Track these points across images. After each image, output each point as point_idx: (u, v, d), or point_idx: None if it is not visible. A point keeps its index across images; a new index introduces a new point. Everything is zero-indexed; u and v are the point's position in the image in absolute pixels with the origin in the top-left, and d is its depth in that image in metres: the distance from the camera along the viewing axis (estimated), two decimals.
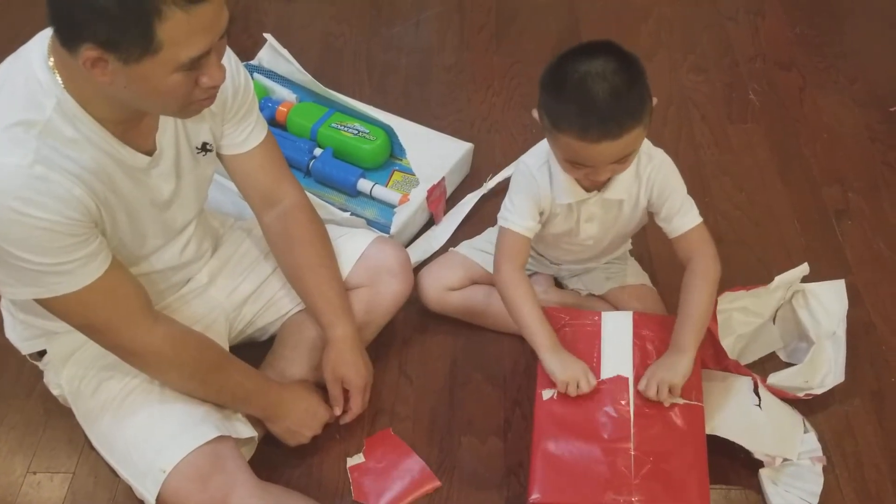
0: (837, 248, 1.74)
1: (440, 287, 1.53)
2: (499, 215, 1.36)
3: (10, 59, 1.03)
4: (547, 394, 1.27)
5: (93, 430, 1.24)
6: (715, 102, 2.08)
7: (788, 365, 1.51)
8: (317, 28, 2.29)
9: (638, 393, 1.25)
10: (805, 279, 1.52)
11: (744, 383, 1.36)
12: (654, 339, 1.31)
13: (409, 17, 2.33)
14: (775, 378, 1.40)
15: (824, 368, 1.42)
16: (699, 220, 1.32)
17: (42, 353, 1.30)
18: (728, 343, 1.44)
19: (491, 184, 1.84)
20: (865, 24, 2.30)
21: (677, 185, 1.32)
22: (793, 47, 2.23)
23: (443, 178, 1.76)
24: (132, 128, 1.08)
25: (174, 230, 1.24)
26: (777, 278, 1.48)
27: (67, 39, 0.93)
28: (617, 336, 1.33)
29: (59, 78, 0.99)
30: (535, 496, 1.18)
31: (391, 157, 1.85)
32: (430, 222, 1.77)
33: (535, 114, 1.23)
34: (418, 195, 1.72)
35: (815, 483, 1.32)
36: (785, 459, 1.33)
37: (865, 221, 1.80)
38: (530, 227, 1.33)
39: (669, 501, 1.16)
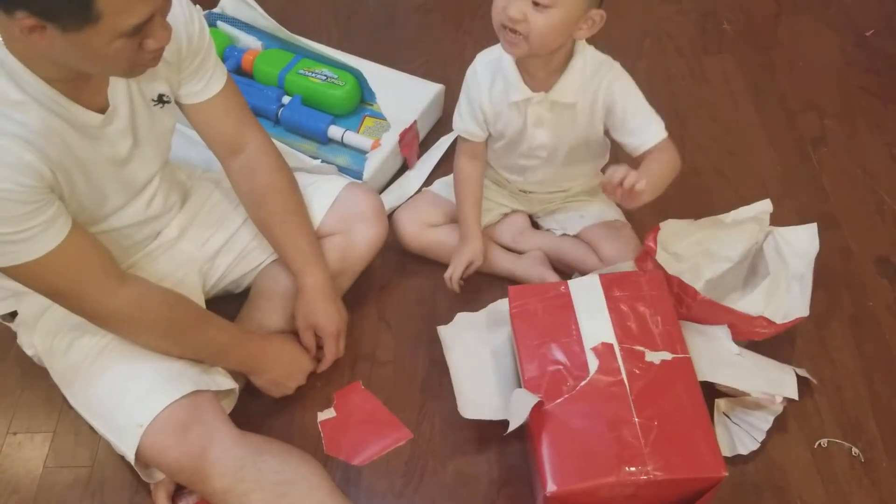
0: (814, 175, 1.74)
1: (418, 223, 1.53)
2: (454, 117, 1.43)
3: None
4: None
5: (69, 389, 1.23)
6: (689, 33, 2.05)
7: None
8: None
9: (626, 357, 1.23)
10: (782, 210, 1.51)
11: (721, 333, 1.34)
12: (626, 298, 1.29)
13: None
14: (735, 306, 1.35)
15: (786, 305, 1.38)
16: (664, 133, 1.30)
17: (13, 315, 1.29)
18: (698, 288, 1.37)
19: None
20: None
21: (638, 97, 1.31)
22: None
23: (414, 122, 1.73)
24: (81, 85, 1.04)
25: (136, 187, 1.22)
26: (733, 213, 1.44)
27: (2, 4, 0.89)
28: (589, 303, 1.30)
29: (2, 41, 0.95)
30: (550, 488, 1.13)
31: (362, 102, 1.82)
32: (404, 167, 1.75)
33: None
34: (390, 140, 1.69)
35: (765, 420, 1.32)
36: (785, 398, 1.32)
37: (841, 147, 1.79)
38: (473, 131, 1.41)
39: (683, 463, 1.14)
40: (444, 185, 1.58)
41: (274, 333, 1.36)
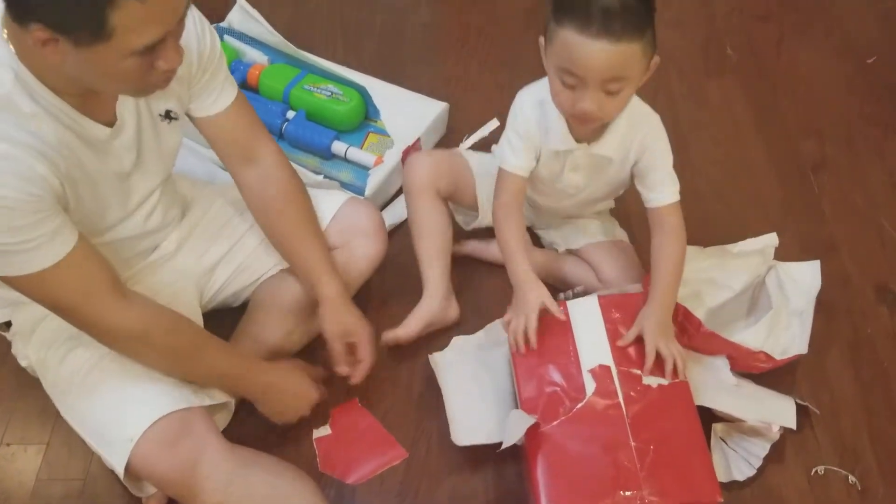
0: (814, 201, 1.74)
1: (432, 181, 1.48)
2: (497, 153, 1.38)
3: None
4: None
5: (61, 401, 1.23)
6: (692, 57, 2.06)
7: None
8: None
9: (623, 380, 1.23)
10: (783, 235, 1.51)
11: (720, 364, 1.35)
12: (624, 320, 1.30)
13: None
14: (735, 339, 1.36)
15: (785, 341, 1.39)
16: (678, 197, 1.33)
17: (8, 325, 1.28)
18: (698, 316, 1.38)
19: (467, 144, 1.81)
20: None
21: (667, 155, 1.33)
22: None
23: (418, 139, 1.74)
24: (91, 99, 1.05)
25: (135, 200, 1.21)
26: (740, 244, 1.45)
27: (17, 16, 0.90)
28: (588, 324, 1.30)
29: (12, 49, 0.96)
30: None
31: (366, 118, 1.82)
32: None
33: (541, 40, 1.21)
34: (393, 156, 1.70)
35: (762, 447, 1.31)
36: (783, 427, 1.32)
37: (842, 174, 1.80)
38: (527, 167, 1.34)
39: (679, 488, 1.14)
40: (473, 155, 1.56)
41: (281, 361, 1.34)
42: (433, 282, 1.46)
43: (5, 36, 0.96)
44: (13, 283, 1.03)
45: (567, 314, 1.32)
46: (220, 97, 1.24)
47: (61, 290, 1.05)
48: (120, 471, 1.13)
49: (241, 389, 1.27)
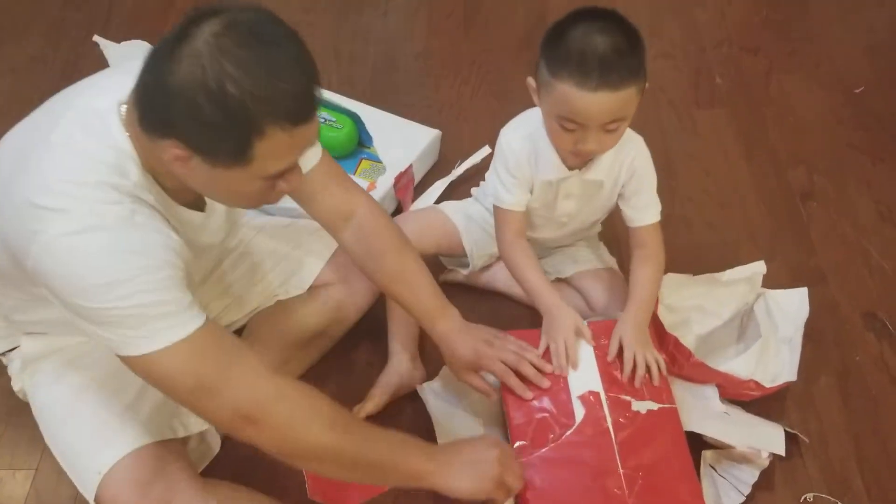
0: (803, 230, 1.76)
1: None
2: (492, 194, 1.39)
3: (76, 115, 0.98)
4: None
5: (45, 424, 1.21)
6: (682, 87, 2.08)
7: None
8: (284, 17, 2.24)
9: (612, 406, 1.24)
10: (771, 263, 1.53)
11: (709, 392, 1.35)
12: None
13: (378, 5, 2.31)
14: (725, 367, 1.36)
15: (774, 368, 1.39)
16: (659, 217, 1.37)
17: (7, 351, 1.27)
18: (687, 343, 1.38)
19: (459, 171, 1.83)
20: (828, 7, 2.31)
21: (652, 177, 1.36)
22: (759, 32, 2.24)
23: (410, 166, 1.75)
24: (189, 191, 1.05)
25: (204, 271, 1.24)
26: (728, 272, 1.47)
27: (153, 129, 0.91)
28: (577, 350, 1.30)
29: (132, 143, 0.97)
30: None
31: (359, 145, 1.84)
32: (399, 210, 1.77)
33: (530, 81, 1.23)
34: (385, 183, 1.71)
35: (751, 474, 1.31)
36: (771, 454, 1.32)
37: (830, 203, 1.81)
38: (523, 201, 1.36)
39: None
40: (453, 210, 1.56)
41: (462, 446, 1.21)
42: (397, 355, 1.44)
43: (124, 126, 0.96)
44: (149, 364, 0.95)
45: None
46: (307, 156, 1.20)
47: (208, 362, 0.97)
48: (91, 502, 1.12)
49: (413, 475, 1.12)
